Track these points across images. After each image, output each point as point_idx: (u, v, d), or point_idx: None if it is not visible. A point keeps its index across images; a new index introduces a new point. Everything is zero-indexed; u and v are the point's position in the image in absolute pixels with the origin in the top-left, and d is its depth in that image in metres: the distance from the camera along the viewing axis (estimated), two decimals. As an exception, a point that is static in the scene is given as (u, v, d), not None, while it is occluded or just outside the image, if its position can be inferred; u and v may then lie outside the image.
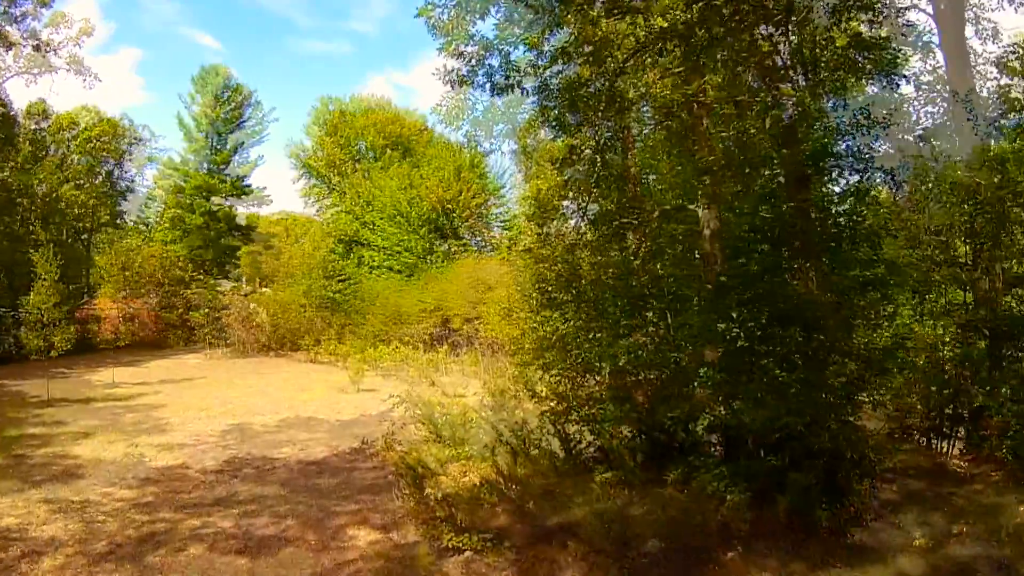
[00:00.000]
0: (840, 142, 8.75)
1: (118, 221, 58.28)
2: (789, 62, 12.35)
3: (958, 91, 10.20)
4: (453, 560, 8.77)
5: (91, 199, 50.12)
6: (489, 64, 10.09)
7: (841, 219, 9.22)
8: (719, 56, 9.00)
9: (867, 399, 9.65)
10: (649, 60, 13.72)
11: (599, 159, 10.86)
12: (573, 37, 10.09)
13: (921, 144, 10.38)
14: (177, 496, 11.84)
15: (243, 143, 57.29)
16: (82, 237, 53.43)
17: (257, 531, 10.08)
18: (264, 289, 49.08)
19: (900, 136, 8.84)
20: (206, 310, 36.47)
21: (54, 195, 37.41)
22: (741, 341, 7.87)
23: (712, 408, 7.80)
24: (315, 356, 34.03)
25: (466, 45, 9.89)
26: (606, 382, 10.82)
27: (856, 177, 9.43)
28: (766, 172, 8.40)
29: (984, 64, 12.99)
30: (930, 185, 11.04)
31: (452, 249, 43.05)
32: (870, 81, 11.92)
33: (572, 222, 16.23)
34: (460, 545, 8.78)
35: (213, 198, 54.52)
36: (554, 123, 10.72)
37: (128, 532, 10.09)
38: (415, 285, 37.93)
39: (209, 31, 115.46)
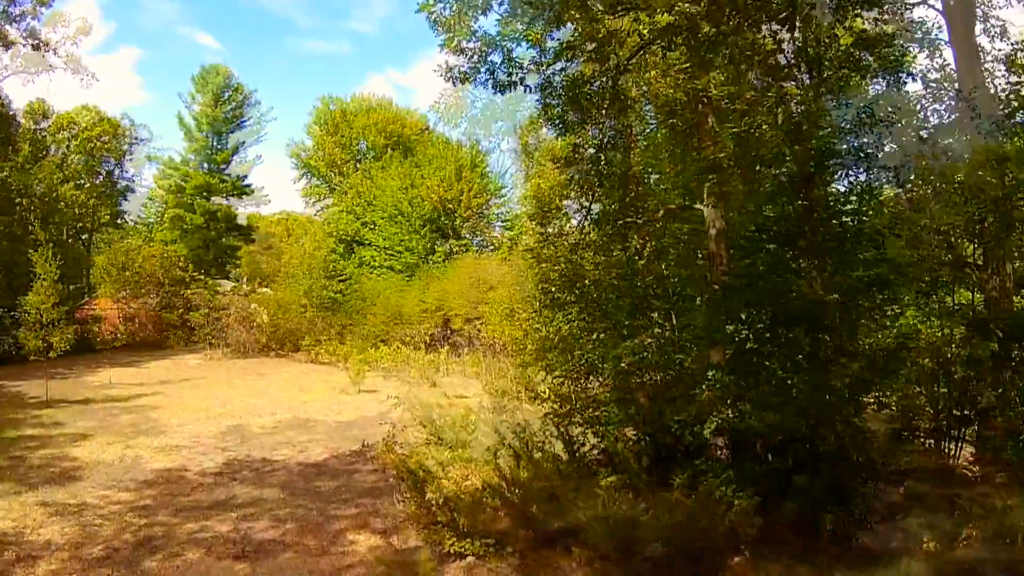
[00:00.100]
0: (847, 140, 8.59)
1: (118, 221, 58.27)
2: (793, 60, 12.24)
3: (968, 88, 10.01)
4: (455, 566, 8.65)
5: (91, 199, 50.09)
6: (491, 61, 9.95)
7: (846, 218, 9.09)
8: (724, 52, 8.84)
9: (872, 400, 9.55)
10: (652, 58, 13.67)
11: (602, 157, 10.71)
12: (577, 33, 9.94)
13: (925, 142, 10.23)
14: (175, 499, 11.71)
15: (243, 143, 57.22)
16: (82, 237, 53.40)
17: (256, 535, 9.94)
18: (264, 289, 48.93)
19: (912, 134, 8.68)
20: (206, 310, 36.29)
21: (54, 195, 37.28)
22: (750, 343, 7.73)
23: (719, 411, 7.65)
24: (315, 357, 33.91)
25: (468, 41, 9.74)
26: (610, 384, 10.66)
27: (861, 176, 9.34)
28: (775, 170, 8.24)
29: (992, 62, 12.85)
30: (936, 184, 10.89)
31: (453, 249, 42.93)
32: (875, 80, 11.76)
33: (574, 221, 16.12)
34: (462, 550, 8.65)
35: (214, 198, 54.40)
36: (557, 121, 10.58)
37: (125, 536, 9.96)
38: (416, 285, 37.80)
39: (209, 31, 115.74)
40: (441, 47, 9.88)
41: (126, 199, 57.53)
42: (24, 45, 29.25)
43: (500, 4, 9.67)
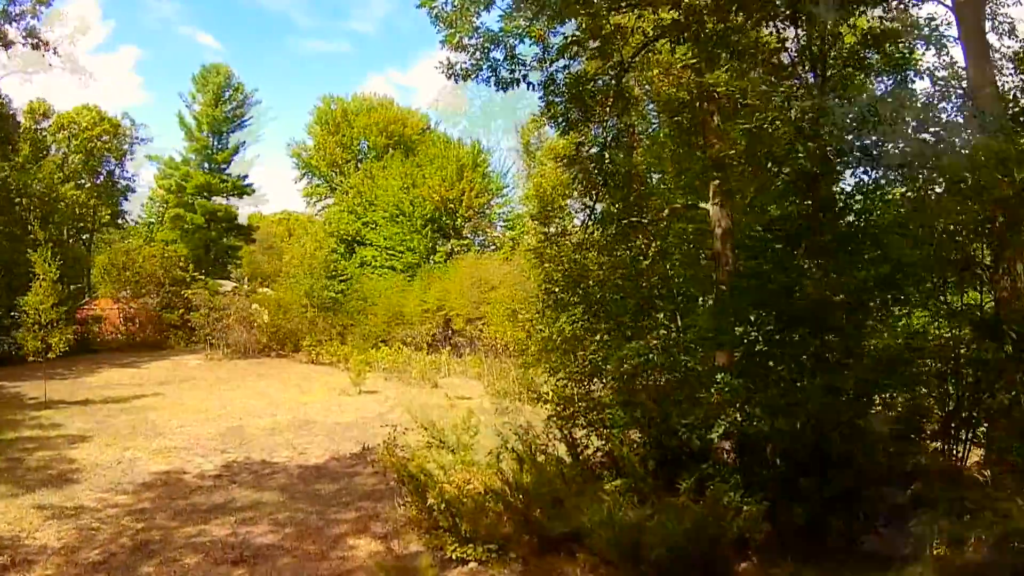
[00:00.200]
0: (855, 138, 8.42)
1: (119, 221, 58.20)
2: (797, 58, 12.11)
3: (979, 86, 9.83)
4: (457, 571, 8.50)
5: (91, 199, 49.99)
6: (493, 57, 9.77)
7: (851, 217, 8.95)
8: (731, 48, 8.69)
9: (879, 401, 9.40)
10: (655, 56, 13.53)
11: (606, 156, 10.56)
12: (581, 29, 9.79)
13: (935, 141, 10.07)
14: (173, 502, 11.57)
15: (244, 142, 57.12)
16: (83, 237, 53.30)
17: (254, 539, 9.80)
18: (265, 289, 48.81)
19: (919, 132, 8.51)
20: (206, 311, 36.13)
21: (53, 195, 37.13)
22: (759, 345, 7.57)
23: (727, 414, 7.49)
24: (316, 357, 33.76)
25: (469, 38, 9.56)
26: (614, 386, 10.51)
27: (866, 175, 9.19)
28: (786, 167, 8.08)
29: (1000, 60, 12.66)
30: (946, 183, 10.71)
31: (455, 249, 42.82)
32: (879, 78, 11.62)
33: (577, 220, 15.98)
34: (464, 556, 8.49)
35: (214, 198, 54.28)
36: (560, 119, 10.43)
37: (122, 540, 9.82)
38: (417, 285, 37.67)
39: (209, 30, 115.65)
40: (442, 43, 9.72)
41: (126, 199, 57.47)
42: (24, 44, 28.92)
43: (503, -1, 9.51)
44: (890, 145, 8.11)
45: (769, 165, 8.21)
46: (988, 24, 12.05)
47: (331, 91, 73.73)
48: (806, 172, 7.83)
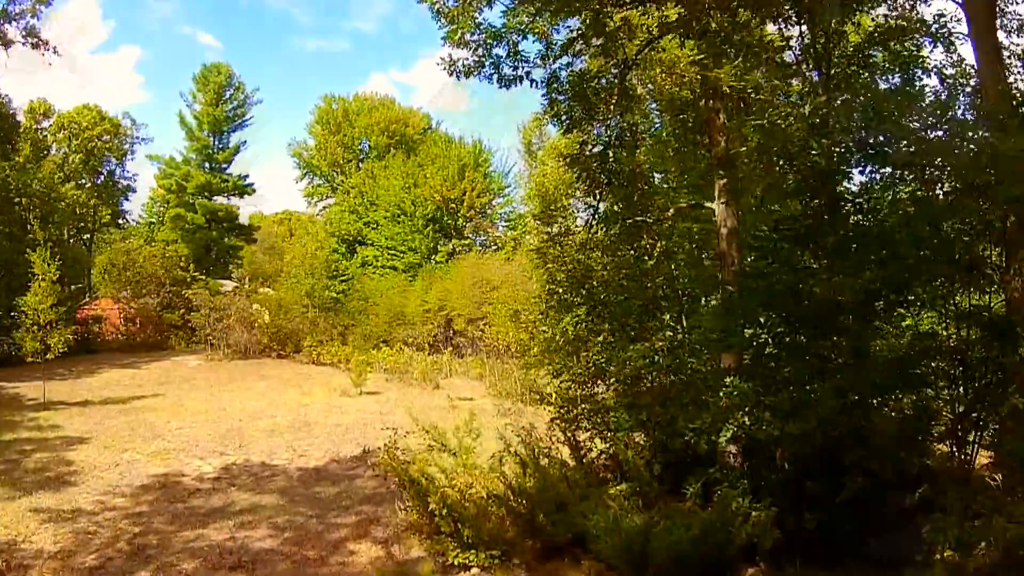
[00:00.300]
0: (868, 136, 8.26)
1: (119, 221, 58.17)
2: (801, 57, 11.96)
3: (989, 84, 9.65)
4: (459, 577, 8.38)
5: (92, 199, 49.94)
6: (496, 54, 9.61)
7: (859, 217, 8.79)
8: (738, 44, 8.53)
9: (888, 404, 9.25)
10: (659, 55, 13.38)
11: (610, 155, 10.40)
12: (585, 24, 9.63)
13: (938, 138, 9.91)
14: (171, 505, 11.43)
15: (244, 142, 57.01)
16: (83, 237, 53.24)
17: (253, 544, 9.64)
18: (266, 289, 48.70)
19: (938, 127, 8.35)
20: (207, 311, 35.99)
21: (53, 194, 37.00)
22: (769, 347, 7.41)
23: (735, 418, 7.33)
24: (317, 358, 33.63)
25: (472, 34, 9.40)
26: (619, 388, 10.35)
27: (871, 174, 9.03)
28: (798, 164, 7.91)
29: (1009, 58, 12.48)
30: (955, 183, 10.55)
31: (456, 249, 42.70)
32: (884, 77, 11.46)
33: (580, 219, 15.83)
34: (466, 562, 8.35)
35: (215, 197, 54.15)
36: (563, 117, 10.26)
37: (119, 545, 9.68)
38: (418, 285, 37.53)
39: (209, 29, 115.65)
40: (444, 40, 9.56)
41: (127, 199, 57.51)
42: (23, 44, 28.73)
43: (506, -6, 9.35)
44: (902, 143, 7.93)
45: (781, 162, 8.04)
46: (996, 22, 11.85)
47: (332, 90, 73.82)
48: (819, 170, 7.66)
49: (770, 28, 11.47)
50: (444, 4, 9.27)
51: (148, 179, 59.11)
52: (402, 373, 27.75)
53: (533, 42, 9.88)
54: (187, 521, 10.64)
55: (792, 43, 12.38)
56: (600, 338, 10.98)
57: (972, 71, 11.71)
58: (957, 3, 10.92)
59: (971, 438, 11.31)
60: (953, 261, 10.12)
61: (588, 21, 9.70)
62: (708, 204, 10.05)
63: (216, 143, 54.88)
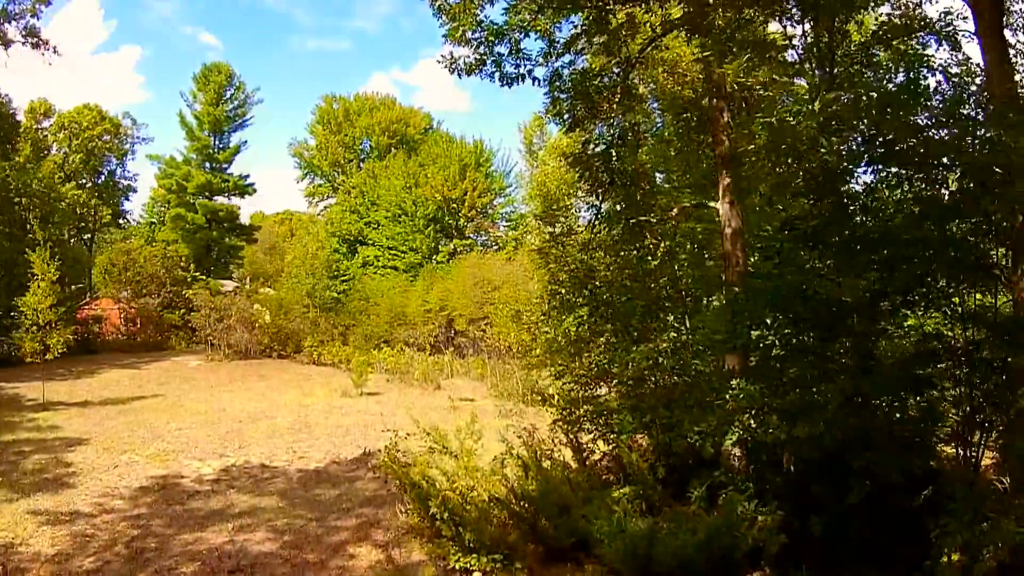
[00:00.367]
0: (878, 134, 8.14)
1: (120, 221, 58.13)
2: (804, 56, 11.86)
3: (997, 82, 9.53)
4: (461, 582, 8.26)
5: (93, 198, 49.87)
6: (498, 52, 9.50)
7: (866, 216, 8.68)
8: (743, 41, 8.42)
9: (895, 405, 9.15)
10: (661, 54, 13.29)
11: (613, 154, 10.29)
12: (588, 21, 9.52)
13: (945, 137, 9.79)
14: (170, 508, 11.31)
15: (245, 141, 56.93)
16: (84, 237, 53.19)
17: (252, 548, 9.52)
18: (267, 289, 48.65)
19: (946, 125, 8.25)
20: (207, 311, 35.92)
21: (53, 194, 36.95)
22: (776, 349, 7.30)
23: (742, 421, 7.22)
24: (317, 358, 33.56)
25: (473, 32, 9.29)
26: (622, 389, 10.24)
27: (878, 172, 8.92)
28: (807, 163, 7.79)
29: (1015, 56, 12.37)
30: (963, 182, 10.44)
31: (457, 249, 42.62)
32: (888, 76, 11.37)
33: (582, 218, 15.72)
34: (468, 566, 8.23)
35: (216, 197, 54.06)
36: (566, 116, 10.15)
37: (117, 548, 9.57)
38: (419, 285, 37.44)
39: (210, 29, 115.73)
40: (445, 38, 9.46)
41: (128, 199, 57.48)
42: (23, 43, 28.63)
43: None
44: (911, 141, 7.81)
45: (790, 160, 7.92)
46: (1004, 20, 11.73)
47: (333, 90, 73.70)
48: (828, 168, 7.54)
49: (772, 27, 11.40)
50: (445, 1, 9.17)
51: (149, 179, 59.18)
52: (403, 374, 27.67)
53: (535, 40, 9.79)
54: (186, 524, 10.53)
55: (795, 42, 12.34)
56: (603, 339, 10.88)
57: (978, 70, 11.60)
58: (964, 1, 10.82)
59: (977, 439, 11.21)
60: (959, 261, 10.02)
61: (591, 18, 9.61)
62: (712, 204, 9.94)
63: (217, 143, 54.78)
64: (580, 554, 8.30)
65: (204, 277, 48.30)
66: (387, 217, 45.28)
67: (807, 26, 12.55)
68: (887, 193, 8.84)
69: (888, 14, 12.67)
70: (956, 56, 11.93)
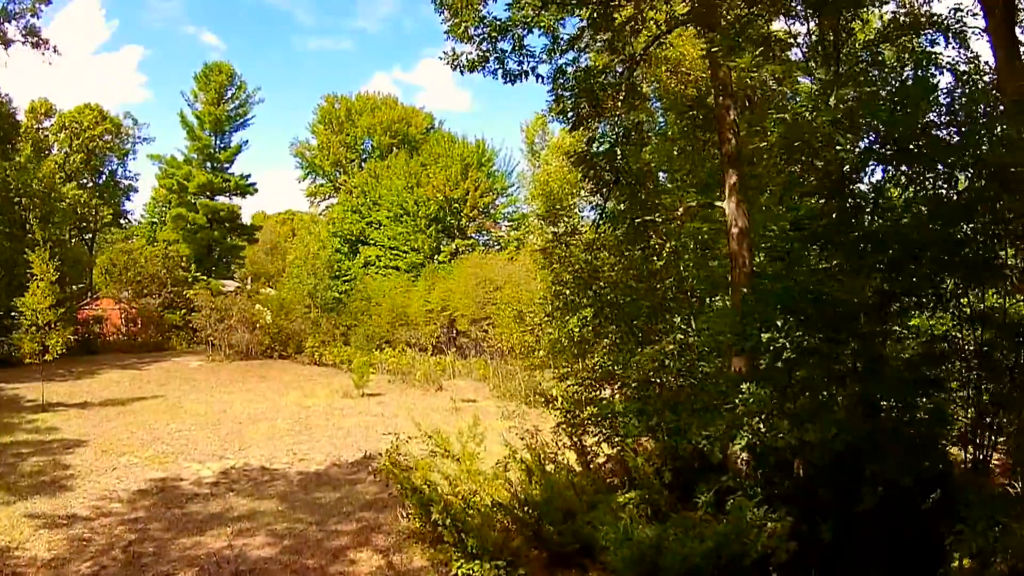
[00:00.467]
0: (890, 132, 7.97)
1: (121, 221, 58.01)
2: (808, 54, 11.69)
3: (1008, 80, 9.36)
4: (463, 589, 8.09)
5: (94, 198, 49.77)
6: (500, 49, 9.35)
7: (876, 216, 8.51)
8: (751, 36, 8.26)
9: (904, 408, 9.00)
10: (663, 53, 13.14)
11: (618, 153, 10.13)
12: (592, 18, 9.37)
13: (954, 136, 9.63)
14: (169, 511, 11.18)
15: (247, 141, 56.79)
16: (85, 237, 53.07)
17: (251, 553, 9.38)
18: (268, 289, 48.54)
19: (955, 123, 8.12)
20: (208, 311, 35.80)
21: (54, 194, 36.86)
22: (787, 352, 7.13)
23: (751, 425, 7.06)
24: (318, 358, 33.44)
25: (476, 28, 9.14)
26: (627, 392, 10.08)
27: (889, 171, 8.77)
28: (821, 160, 7.63)
29: (1024, 54, 12.23)
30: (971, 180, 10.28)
31: (459, 248, 42.49)
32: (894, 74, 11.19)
33: (584, 216, 15.55)
34: (470, 572, 8.04)
35: (217, 197, 53.93)
36: (570, 114, 9.99)
37: (114, 552, 9.44)
38: (421, 285, 37.30)
39: (212, 29, 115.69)
40: (447, 35, 9.30)
41: (129, 199, 57.36)
42: (23, 43, 28.53)
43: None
44: (924, 141, 7.66)
45: (804, 158, 7.75)
46: (1015, 16, 11.57)
47: (335, 90, 73.57)
48: (843, 166, 7.38)
49: (774, 26, 11.24)
50: (447, -4, 9.02)
51: (150, 179, 59.09)
52: (405, 374, 27.54)
53: (539, 36, 9.64)
54: (184, 528, 10.39)
55: (799, 40, 12.19)
56: (607, 340, 10.72)
57: (987, 68, 11.45)
58: (975, -3, 10.67)
59: (986, 442, 11.05)
60: (970, 262, 9.86)
61: (595, 15, 9.46)
62: (718, 203, 9.78)
63: (218, 142, 54.64)
64: (585, 560, 8.15)
65: (205, 277, 48.19)
66: (389, 217, 45.13)
67: (812, 24, 12.43)
68: (895, 192, 8.70)
69: (893, 12, 12.52)
70: (964, 54, 11.78)
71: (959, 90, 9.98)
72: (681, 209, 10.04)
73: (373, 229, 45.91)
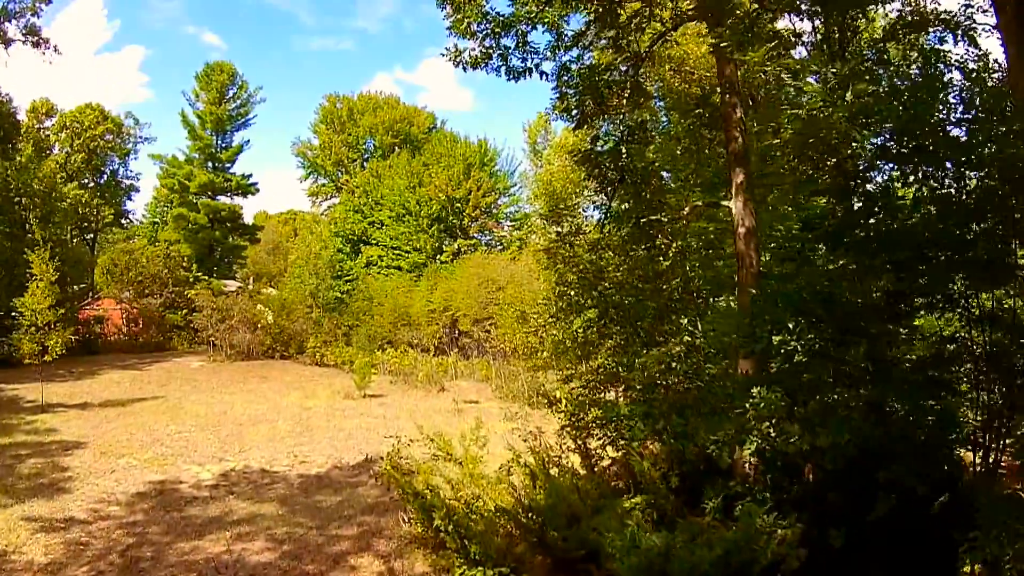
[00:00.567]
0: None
1: (122, 220, 57.91)
2: (813, 51, 11.55)
3: (1020, 78, 9.20)
4: (465, 596, 7.93)
5: (95, 198, 49.66)
6: (504, 45, 9.18)
7: (885, 215, 8.36)
8: (761, 31, 8.11)
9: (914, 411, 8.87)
10: (667, 52, 12.98)
11: (623, 151, 9.95)
12: (596, 13, 9.21)
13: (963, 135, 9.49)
14: (167, 514, 11.03)
15: (248, 141, 56.65)
16: (87, 237, 52.98)
17: (250, 558, 9.23)
18: (270, 289, 48.41)
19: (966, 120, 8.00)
20: (209, 311, 35.69)
21: (54, 194, 36.77)
22: (799, 355, 6.97)
23: (760, 430, 6.90)
24: (320, 359, 33.31)
25: (479, 24, 8.97)
26: (633, 395, 9.92)
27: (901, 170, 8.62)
28: (838, 157, 7.46)
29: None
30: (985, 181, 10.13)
31: (461, 248, 42.35)
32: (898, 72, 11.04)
33: (587, 215, 15.39)
34: (473, 579, 7.91)
35: (219, 197, 53.82)
36: (574, 111, 9.81)
37: (111, 557, 9.29)
38: (423, 285, 37.17)
39: (214, 29, 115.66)
40: (449, 31, 9.14)
41: (130, 199, 57.27)
42: (24, 42, 28.41)
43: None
44: (939, 139, 7.50)
45: (820, 155, 7.58)
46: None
47: (337, 90, 73.41)
48: (859, 163, 7.22)
49: (779, 24, 11.09)
50: (450, -8, 8.86)
51: (152, 179, 58.99)
52: (407, 375, 27.41)
53: (543, 32, 9.47)
54: (183, 532, 10.24)
55: (804, 38, 12.05)
56: (611, 342, 10.57)
57: (996, 65, 11.30)
58: (986, -7, 10.53)
59: (996, 444, 10.88)
60: (982, 262, 9.71)
61: (600, 11, 9.30)
62: (725, 202, 9.61)
63: (219, 142, 54.55)
64: (590, 566, 7.96)
65: (207, 277, 48.11)
66: (391, 217, 45.01)
67: (817, 22, 12.30)
68: (909, 192, 8.55)
69: (899, 10, 12.39)
70: (972, 52, 11.63)
71: (970, 87, 9.85)
72: (687, 208, 9.87)
73: (375, 229, 45.79)
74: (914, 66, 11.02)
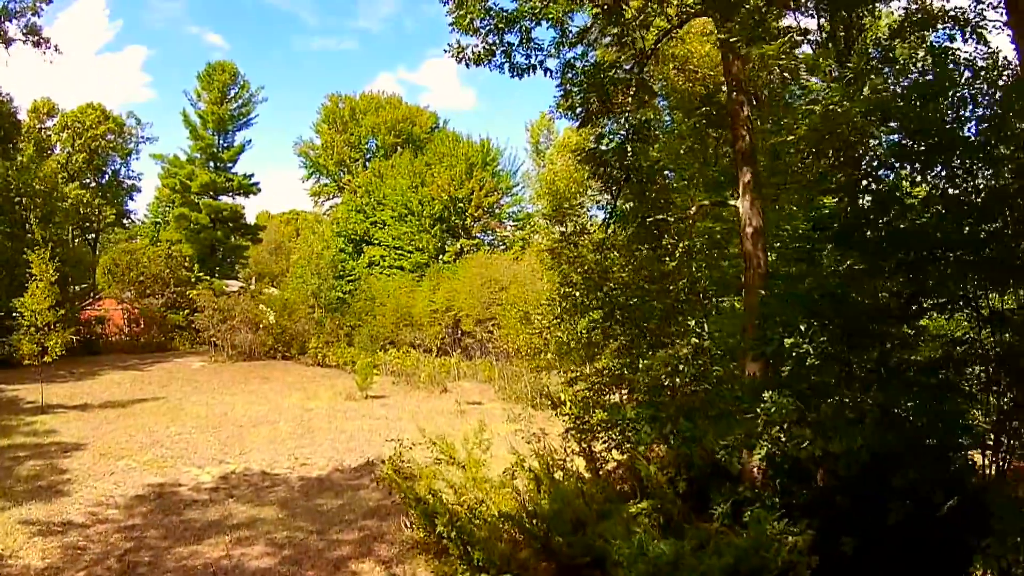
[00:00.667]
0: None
1: (124, 220, 57.83)
2: (818, 50, 11.38)
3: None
4: (468, 603, 7.78)
5: (96, 198, 49.58)
6: (507, 42, 9.02)
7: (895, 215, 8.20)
8: (770, 26, 7.95)
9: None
10: (671, 51, 12.84)
11: (628, 149, 9.79)
12: (601, 9, 9.05)
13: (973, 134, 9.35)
14: (166, 518, 10.90)
15: (250, 140, 56.53)
16: (88, 237, 52.90)
17: (249, 563, 9.09)
18: (272, 290, 48.30)
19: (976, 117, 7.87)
20: (211, 311, 35.56)
21: (55, 194, 36.66)
22: (811, 358, 6.81)
23: (771, 434, 6.74)
24: (322, 360, 33.17)
25: (482, 20, 8.81)
26: (639, 398, 9.75)
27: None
28: (853, 154, 7.31)
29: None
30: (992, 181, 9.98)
31: (464, 248, 42.21)
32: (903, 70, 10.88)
33: (590, 214, 15.24)
34: (476, 586, 7.75)
35: (221, 196, 53.69)
36: (579, 109, 9.65)
37: (109, 562, 9.18)
38: (426, 285, 37.03)
39: (215, 29, 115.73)
40: (452, 27, 8.98)
41: (132, 198, 57.17)
42: (24, 42, 28.30)
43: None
44: (953, 137, 7.35)
45: (833, 152, 7.42)
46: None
47: (339, 90, 73.28)
48: (875, 161, 7.06)
49: (783, 22, 10.94)
50: (452, -12, 8.69)
51: (153, 178, 58.92)
52: (409, 376, 27.26)
53: (547, 28, 9.31)
54: (181, 536, 10.11)
55: (809, 37, 11.88)
56: (616, 343, 10.40)
57: (1006, 63, 11.16)
58: (997, -10, 10.36)
59: (1007, 447, 10.72)
60: (990, 262, 9.55)
61: (605, 7, 9.14)
62: (731, 202, 9.45)
63: (221, 142, 54.41)
64: (596, 573, 7.81)
65: (208, 277, 47.98)
66: (393, 216, 44.90)
67: (823, 20, 12.14)
68: (921, 191, 8.41)
69: (905, 8, 12.23)
70: (981, 49, 11.48)
71: (982, 85, 9.69)
72: (694, 208, 9.70)
73: (377, 229, 45.67)
74: (920, 64, 10.88)
